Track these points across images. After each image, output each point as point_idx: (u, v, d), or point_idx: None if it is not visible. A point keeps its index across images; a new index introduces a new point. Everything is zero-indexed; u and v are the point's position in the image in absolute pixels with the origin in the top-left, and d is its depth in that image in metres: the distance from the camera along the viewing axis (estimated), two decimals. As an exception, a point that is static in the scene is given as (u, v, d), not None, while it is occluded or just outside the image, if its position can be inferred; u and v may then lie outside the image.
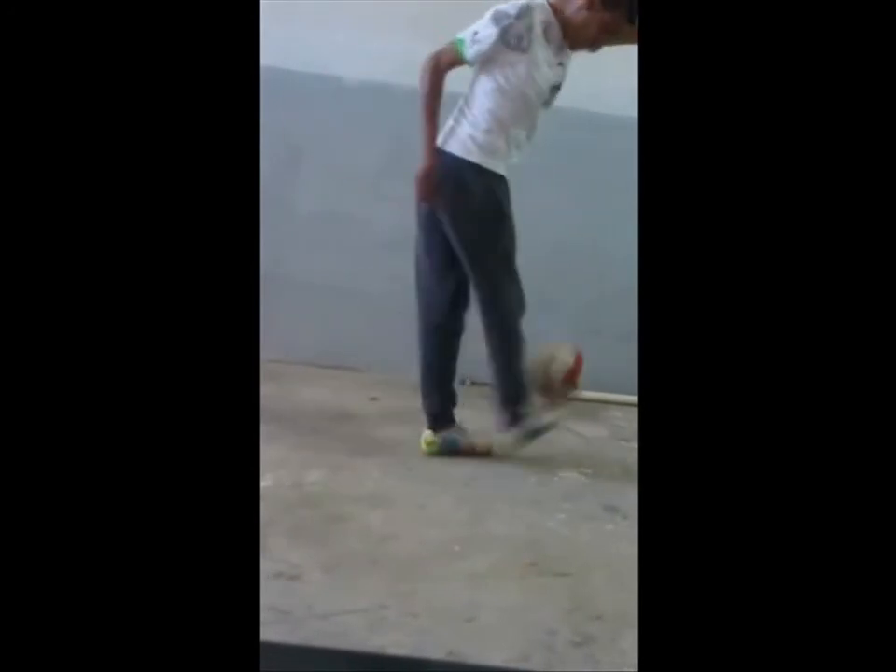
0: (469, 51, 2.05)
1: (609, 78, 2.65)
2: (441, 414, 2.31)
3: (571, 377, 2.35)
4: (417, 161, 2.17)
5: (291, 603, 1.41)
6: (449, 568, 1.62)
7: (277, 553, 1.58)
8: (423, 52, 2.15)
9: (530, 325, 3.15)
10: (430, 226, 2.22)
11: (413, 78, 2.16)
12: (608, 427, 2.80)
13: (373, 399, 2.82)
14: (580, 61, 2.26)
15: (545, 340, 3.18)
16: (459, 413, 2.47)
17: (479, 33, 2.03)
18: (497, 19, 2.02)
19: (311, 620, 1.37)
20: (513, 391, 2.27)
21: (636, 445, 2.61)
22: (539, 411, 2.32)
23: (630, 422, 2.85)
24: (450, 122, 2.18)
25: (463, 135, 2.13)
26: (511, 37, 2.03)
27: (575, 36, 2.12)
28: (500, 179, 2.17)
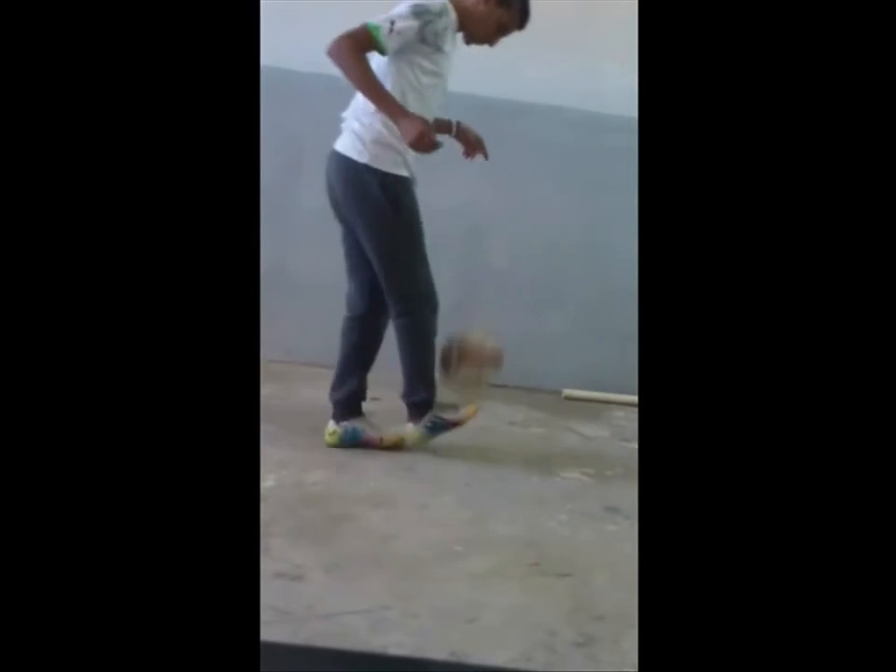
0: (389, 42, 1.95)
1: (609, 78, 2.65)
2: (348, 404, 2.31)
3: (476, 364, 2.28)
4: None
5: (292, 603, 1.40)
6: (451, 569, 1.61)
7: (279, 552, 1.58)
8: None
9: (532, 323, 3.15)
10: (339, 219, 2.23)
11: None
12: (609, 427, 2.80)
13: (375, 398, 2.81)
14: (579, 61, 2.26)
15: (548, 338, 3.19)
16: (459, 412, 2.46)
17: (397, 23, 1.94)
18: (418, 13, 1.96)
19: (312, 620, 1.37)
20: (417, 385, 2.27)
21: (637, 445, 2.61)
22: (446, 407, 2.32)
23: (631, 422, 2.85)
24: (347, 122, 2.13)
25: (354, 135, 2.09)
26: (430, 34, 1.98)
27: (474, 31, 2.12)
28: (396, 179, 2.09)
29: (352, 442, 2.27)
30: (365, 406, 2.37)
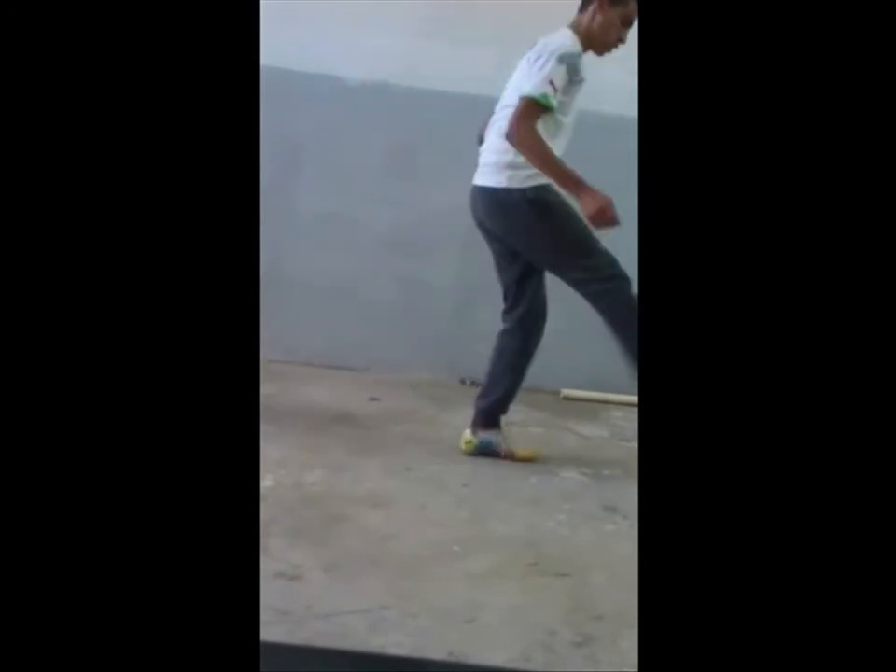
0: (556, 101, 2.07)
1: (610, 78, 2.65)
2: (490, 413, 2.30)
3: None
4: (418, 160, 2.17)
5: (291, 603, 1.41)
6: (449, 569, 1.62)
7: (277, 553, 1.58)
8: (424, 51, 2.15)
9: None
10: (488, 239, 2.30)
11: (414, 79, 2.17)
12: (608, 427, 2.80)
13: (373, 399, 2.82)
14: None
15: (547, 338, 3.18)
16: (460, 413, 2.48)
17: (556, 81, 2.04)
18: (563, 59, 2.05)
19: (311, 620, 1.37)
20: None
21: (636, 445, 2.62)
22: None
23: (630, 422, 2.85)
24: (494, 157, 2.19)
25: (490, 167, 2.17)
26: (574, 74, 2.08)
27: (601, 43, 2.18)
28: (536, 188, 2.14)
29: (486, 452, 2.28)
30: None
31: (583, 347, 3.17)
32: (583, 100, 2.88)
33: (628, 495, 2.10)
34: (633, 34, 2.19)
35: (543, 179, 2.13)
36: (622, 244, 2.60)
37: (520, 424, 2.74)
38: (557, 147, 2.15)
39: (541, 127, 2.10)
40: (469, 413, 2.38)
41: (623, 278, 2.17)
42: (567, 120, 2.17)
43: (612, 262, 2.19)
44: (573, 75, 2.08)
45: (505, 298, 2.34)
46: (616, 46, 2.19)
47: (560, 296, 3.18)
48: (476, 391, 2.41)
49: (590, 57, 2.25)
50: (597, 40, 2.16)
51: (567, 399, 3.14)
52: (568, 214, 2.18)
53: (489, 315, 2.60)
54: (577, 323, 3.20)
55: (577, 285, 2.24)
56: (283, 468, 2.03)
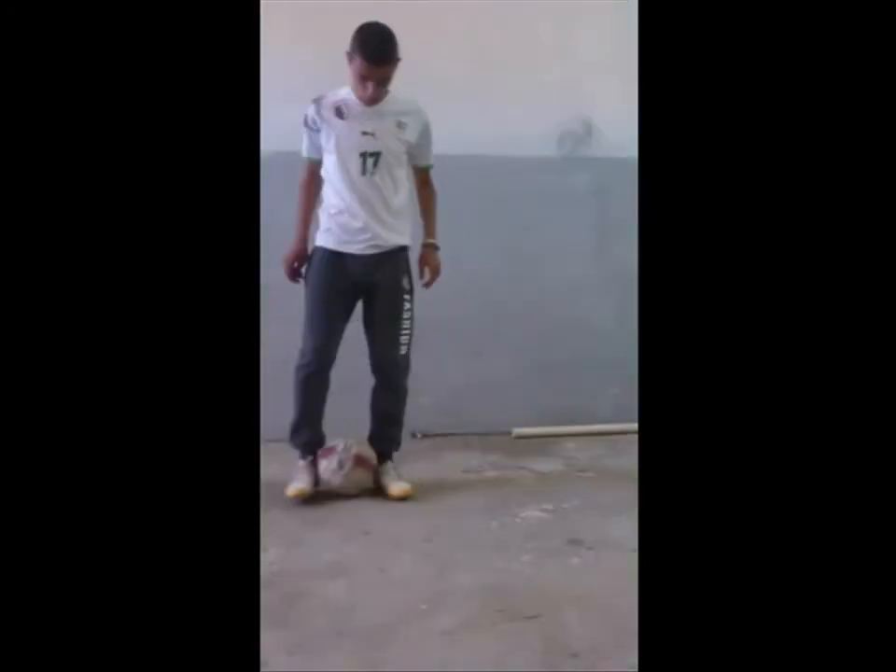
0: (313, 152, 2.44)
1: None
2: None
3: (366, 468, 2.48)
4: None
5: (258, 692, 1.35)
6: (418, 629, 1.58)
7: (238, 641, 1.52)
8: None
9: (472, 368, 3.14)
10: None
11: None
12: (562, 460, 2.80)
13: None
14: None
15: (491, 381, 3.18)
16: (414, 467, 2.45)
17: (304, 140, 2.45)
18: (304, 121, 2.43)
19: (280, 707, 1.32)
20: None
21: (592, 475, 2.61)
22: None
23: (583, 451, 2.85)
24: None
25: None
26: (309, 121, 2.41)
27: (358, 97, 2.37)
28: (315, 249, 2.44)
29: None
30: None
31: (528, 385, 3.18)
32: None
33: (590, 525, 2.09)
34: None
35: (322, 242, 2.42)
36: (550, 278, 2.63)
37: (475, 470, 2.72)
38: (339, 172, 2.38)
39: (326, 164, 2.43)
40: (423, 466, 2.36)
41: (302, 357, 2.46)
42: (332, 159, 2.40)
43: (314, 339, 2.43)
44: (312, 124, 2.41)
45: None
46: (365, 99, 2.35)
47: (499, 337, 3.20)
48: (428, 443, 2.39)
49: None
50: (357, 95, 2.37)
51: (519, 437, 3.13)
52: (315, 284, 2.44)
53: (430, 366, 2.60)
54: (517, 362, 3.22)
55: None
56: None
